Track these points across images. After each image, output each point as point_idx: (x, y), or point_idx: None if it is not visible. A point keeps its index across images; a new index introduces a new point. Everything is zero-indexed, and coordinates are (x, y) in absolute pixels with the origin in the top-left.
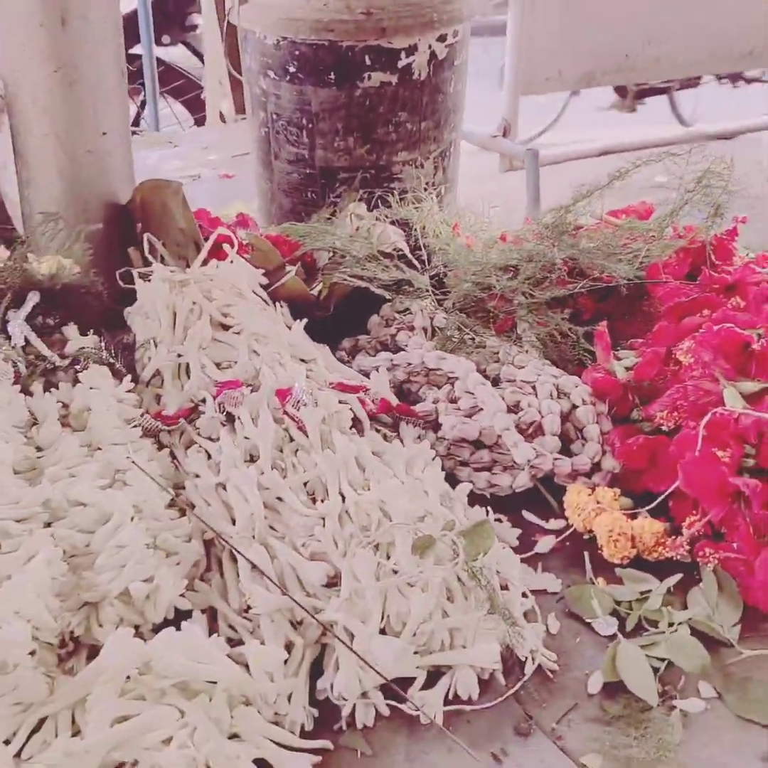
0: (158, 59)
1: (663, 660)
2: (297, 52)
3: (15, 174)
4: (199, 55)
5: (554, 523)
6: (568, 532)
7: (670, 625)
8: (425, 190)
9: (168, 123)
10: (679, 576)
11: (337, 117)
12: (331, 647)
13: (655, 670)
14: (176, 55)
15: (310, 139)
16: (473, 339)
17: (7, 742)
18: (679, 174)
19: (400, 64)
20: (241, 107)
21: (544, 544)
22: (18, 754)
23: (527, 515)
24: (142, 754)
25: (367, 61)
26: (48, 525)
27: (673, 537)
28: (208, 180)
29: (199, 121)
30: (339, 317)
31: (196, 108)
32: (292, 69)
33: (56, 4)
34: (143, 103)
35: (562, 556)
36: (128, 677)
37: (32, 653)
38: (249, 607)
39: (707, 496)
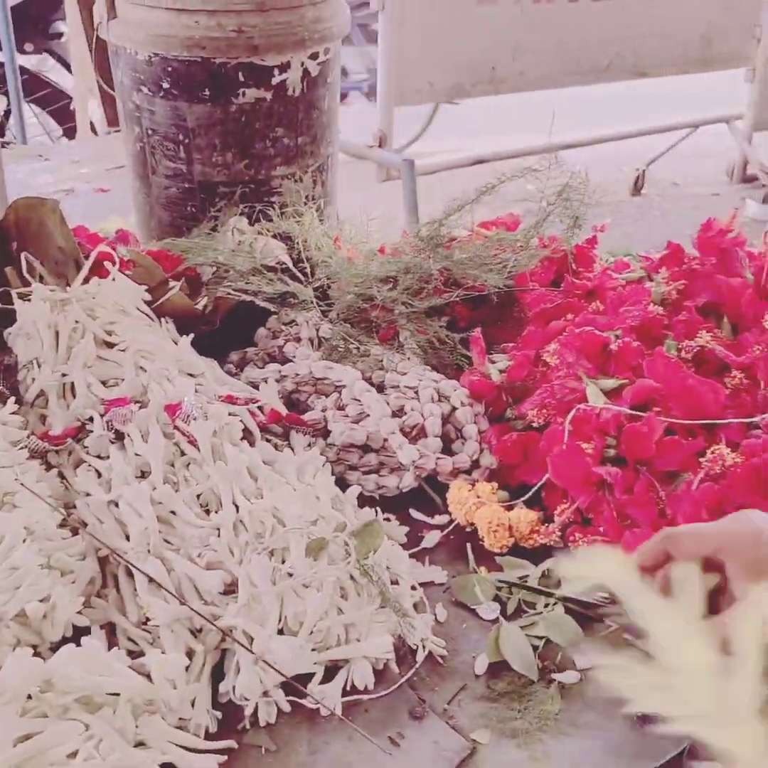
0: (22, 67)
1: (541, 637)
2: (170, 68)
3: None
4: (66, 64)
5: (439, 519)
6: (452, 527)
7: (546, 606)
8: (305, 203)
9: (35, 133)
10: (552, 559)
11: (213, 133)
12: (231, 651)
13: (535, 647)
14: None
15: (188, 154)
16: (358, 348)
17: None
18: (541, 188)
19: (274, 80)
20: (113, 119)
21: (430, 538)
22: None
23: (414, 513)
24: None
25: (241, 78)
26: None
27: (547, 525)
28: (82, 194)
29: (68, 132)
30: (225, 331)
31: (65, 118)
32: (165, 85)
33: None
34: (7, 113)
35: (447, 549)
36: (30, 696)
37: None
38: (147, 620)
39: (574, 486)
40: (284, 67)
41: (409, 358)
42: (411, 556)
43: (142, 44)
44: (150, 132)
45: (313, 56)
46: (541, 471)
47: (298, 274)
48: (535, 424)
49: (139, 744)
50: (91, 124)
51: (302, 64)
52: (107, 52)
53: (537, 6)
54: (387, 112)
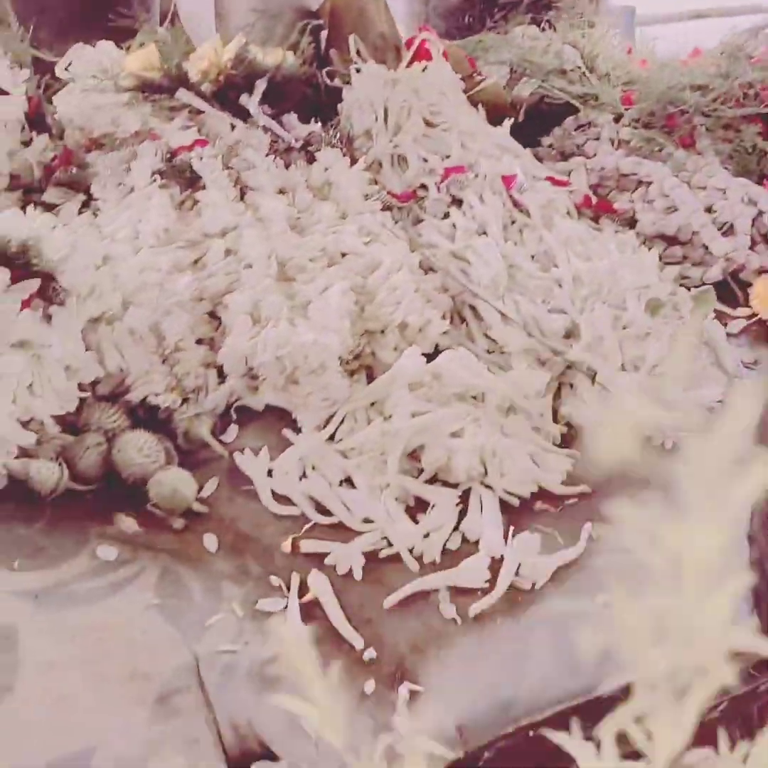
0: None
1: None
2: None
3: None
4: None
5: (740, 311)
6: (753, 320)
7: None
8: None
9: None
10: None
11: None
12: (565, 386)
13: None
14: None
15: None
16: (660, 150)
17: (318, 429)
18: None
19: None
20: None
21: (734, 326)
22: (330, 439)
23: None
24: (437, 440)
25: None
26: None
27: None
28: None
29: None
30: (524, 127)
31: None
32: None
33: None
34: None
35: (747, 339)
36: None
37: (340, 361)
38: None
39: None
40: None
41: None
42: None
43: None
44: None
45: None
46: None
47: (594, 79)
48: None
49: (506, 435)
50: None
51: None
52: None
53: None
54: None
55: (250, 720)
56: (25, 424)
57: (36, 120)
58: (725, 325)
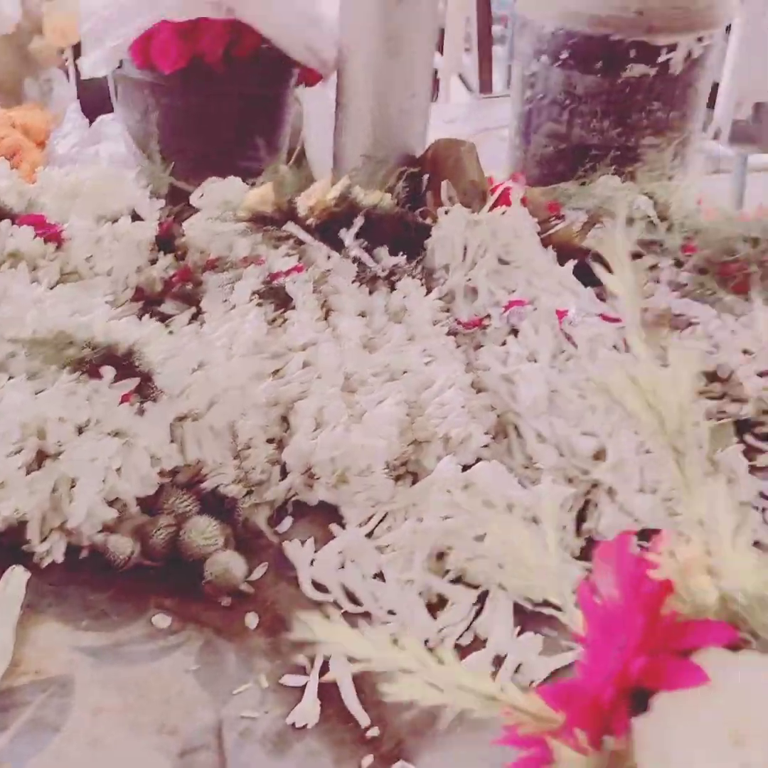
0: None
1: None
2: (571, 41)
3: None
4: None
5: None
6: None
7: None
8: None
9: None
10: None
11: (597, 101)
12: (592, 503)
13: None
14: None
15: (570, 118)
16: (713, 294)
17: (360, 525)
18: None
19: (660, 59)
20: (485, 87)
21: (764, 459)
22: (369, 535)
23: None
24: (463, 542)
25: (632, 54)
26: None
27: None
28: None
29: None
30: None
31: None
32: (563, 55)
33: None
34: None
35: None
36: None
37: (387, 464)
38: (528, 466)
39: None
40: (672, 48)
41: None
42: None
43: (552, 18)
44: (540, 96)
45: (699, 39)
46: None
47: (661, 225)
48: None
49: None
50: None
51: (688, 46)
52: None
53: None
54: (728, 104)
55: None
56: (110, 503)
57: (165, 241)
58: (753, 459)
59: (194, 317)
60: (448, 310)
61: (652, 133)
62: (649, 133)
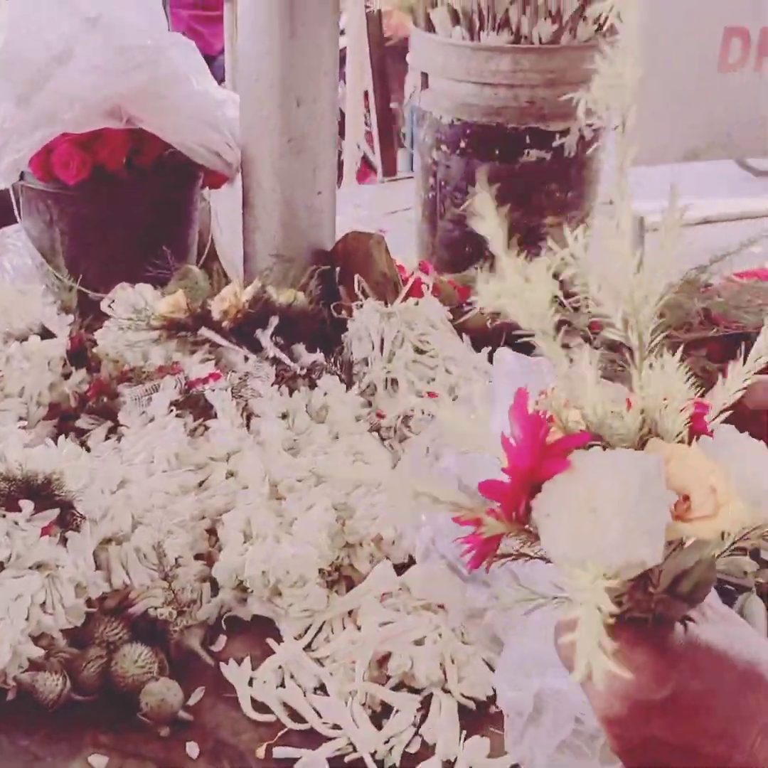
0: None
1: None
2: (468, 131)
3: (225, 223)
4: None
5: None
6: None
7: None
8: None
9: None
10: None
11: (498, 186)
12: None
13: None
14: None
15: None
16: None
17: (297, 638)
18: None
19: (555, 143)
20: (389, 170)
21: None
22: (307, 648)
23: None
24: (402, 648)
25: (527, 141)
26: (315, 486)
27: None
28: None
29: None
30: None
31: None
32: (462, 145)
33: (292, 91)
34: None
35: None
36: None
37: (320, 573)
38: None
39: None
40: (565, 133)
41: None
42: None
43: (448, 110)
44: (443, 183)
45: (590, 124)
46: None
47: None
48: None
49: (465, 643)
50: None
51: (580, 130)
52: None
53: None
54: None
55: None
56: (36, 639)
57: (77, 354)
58: None
59: (112, 430)
60: (369, 404)
61: (553, 213)
62: (549, 213)
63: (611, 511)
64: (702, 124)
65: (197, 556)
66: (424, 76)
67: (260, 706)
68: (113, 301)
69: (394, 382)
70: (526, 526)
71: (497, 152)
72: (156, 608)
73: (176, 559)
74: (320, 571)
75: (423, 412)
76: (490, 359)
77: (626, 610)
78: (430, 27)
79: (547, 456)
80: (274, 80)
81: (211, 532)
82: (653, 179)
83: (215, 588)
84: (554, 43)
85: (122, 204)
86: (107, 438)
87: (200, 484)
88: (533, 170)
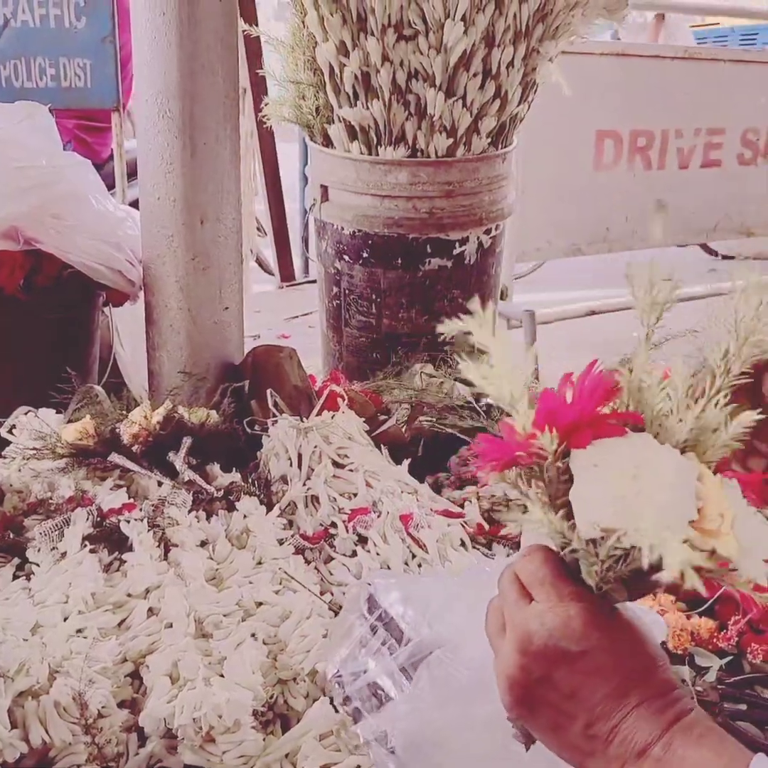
0: None
1: None
2: (370, 242)
3: (128, 340)
4: None
5: None
6: None
7: None
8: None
9: None
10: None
11: (402, 293)
12: None
13: None
14: None
15: (378, 310)
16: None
17: None
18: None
19: (455, 251)
20: (287, 277)
21: None
22: None
23: None
24: None
25: (428, 250)
26: (242, 620)
27: (723, 631)
28: (266, 339)
29: None
30: (425, 456)
31: None
32: (365, 254)
33: (196, 210)
34: None
35: None
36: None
37: (254, 715)
38: None
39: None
40: (464, 241)
41: None
42: None
43: (349, 222)
44: (347, 292)
45: (487, 232)
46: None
47: (481, 411)
48: None
49: None
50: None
51: (478, 238)
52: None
53: (648, 172)
54: (509, 267)
55: None
56: None
57: None
58: None
59: (19, 568)
60: (291, 523)
61: (457, 318)
62: (453, 318)
63: (656, 485)
64: (582, 220)
65: (121, 704)
66: (324, 188)
67: None
68: (14, 427)
69: (315, 499)
70: (559, 463)
71: (399, 261)
72: (79, 766)
73: (99, 710)
74: (254, 712)
75: (347, 530)
76: (410, 471)
77: (599, 572)
78: (328, 142)
79: (604, 420)
80: (178, 199)
81: (135, 675)
82: (545, 273)
83: (142, 738)
84: (450, 156)
85: (20, 324)
86: (16, 577)
87: (120, 624)
88: (435, 277)
